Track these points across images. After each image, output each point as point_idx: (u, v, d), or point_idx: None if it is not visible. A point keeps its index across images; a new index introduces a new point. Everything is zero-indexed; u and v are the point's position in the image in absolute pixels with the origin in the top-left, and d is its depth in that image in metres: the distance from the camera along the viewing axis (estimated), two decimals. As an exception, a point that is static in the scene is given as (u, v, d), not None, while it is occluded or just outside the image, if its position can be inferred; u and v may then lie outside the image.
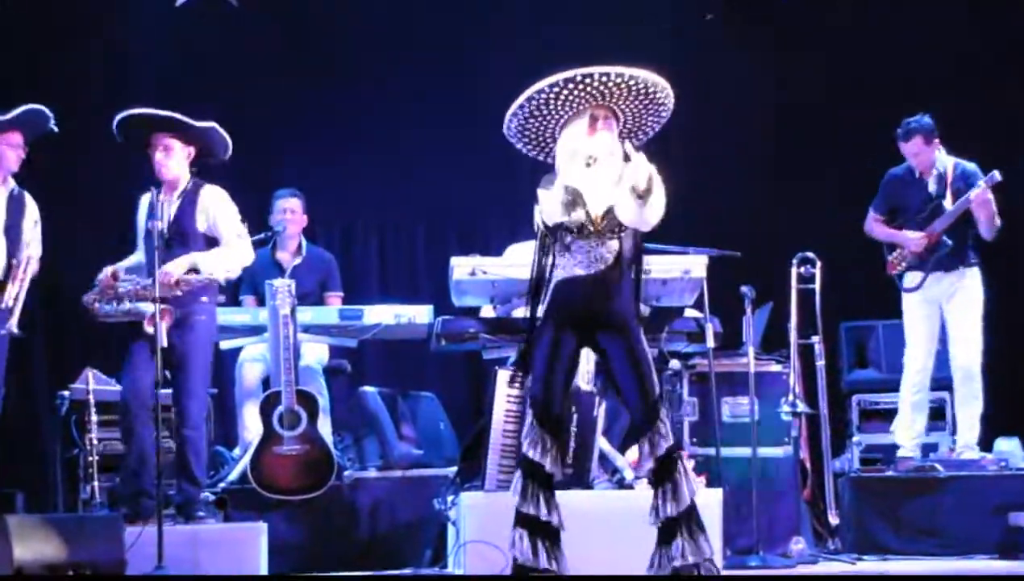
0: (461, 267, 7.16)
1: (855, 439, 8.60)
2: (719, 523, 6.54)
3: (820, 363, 7.61)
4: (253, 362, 7.77)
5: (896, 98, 9.28)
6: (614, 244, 5.43)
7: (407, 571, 7.00)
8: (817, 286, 7.47)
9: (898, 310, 8.47)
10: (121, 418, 6.89)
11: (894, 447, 8.24)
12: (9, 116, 6.87)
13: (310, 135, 9.59)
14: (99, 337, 8.59)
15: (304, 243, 8.31)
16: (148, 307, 6.55)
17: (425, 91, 9.61)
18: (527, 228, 6.69)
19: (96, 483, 7.20)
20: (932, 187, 7.92)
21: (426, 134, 9.57)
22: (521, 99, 5.49)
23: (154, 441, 6.62)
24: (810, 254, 7.52)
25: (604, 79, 5.44)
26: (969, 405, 7.78)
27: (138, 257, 7.03)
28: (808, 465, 7.71)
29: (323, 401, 7.49)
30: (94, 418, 7.37)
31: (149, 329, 6.57)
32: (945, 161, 7.89)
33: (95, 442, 7.32)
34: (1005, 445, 7.92)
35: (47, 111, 6.95)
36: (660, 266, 6.98)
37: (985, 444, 7.87)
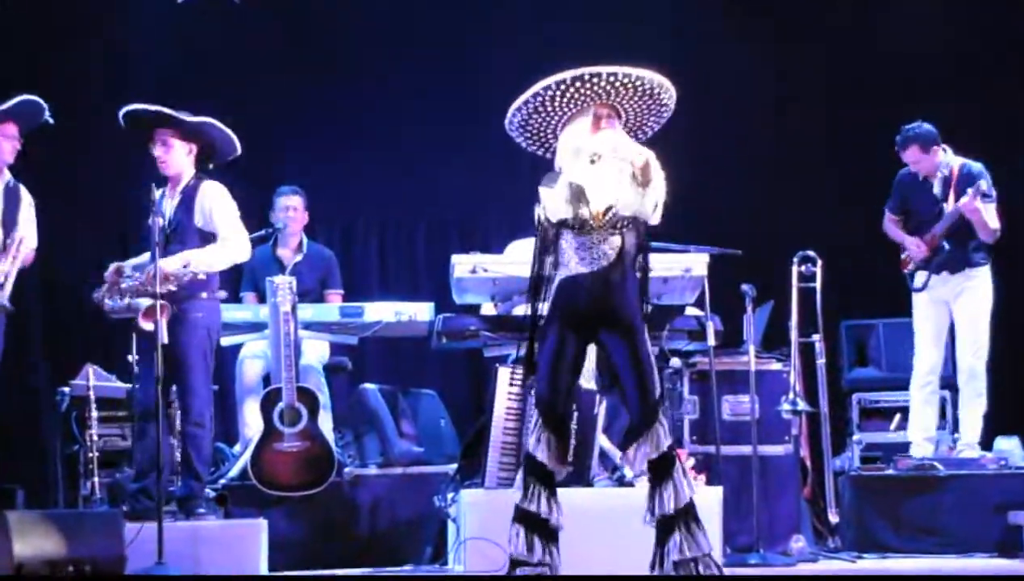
0: (462, 264, 7.16)
1: (855, 437, 8.61)
2: (719, 521, 6.54)
3: (820, 361, 7.61)
4: (254, 359, 7.78)
5: (897, 95, 9.31)
6: (616, 240, 5.44)
7: (407, 568, 7.00)
8: (818, 284, 7.47)
9: (898, 308, 8.49)
10: (135, 419, 6.91)
11: (894, 445, 8.26)
12: (3, 107, 6.87)
13: (311, 132, 9.60)
14: (99, 333, 8.60)
15: (305, 240, 8.31)
16: (145, 302, 6.55)
17: (426, 88, 9.61)
18: (528, 225, 6.69)
19: (96, 479, 7.21)
20: (937, 190, 7.92)
21: (427, 131, 9.57)
22: (527, 94, 5.50)
23: (166, 443, 6.65)
24: (811, 252, 7.52)
25: (611, 79, 5.45)
26: (972, 404, 7.79)
27: (148, 255, 7.03)
28: (808, 463, 7.71)
29: (324, 398, 7.50)
30: (94, 414, 7.38)
31: (144, 324, 6.57)
32: (952, 161, 7.89)
33: (95, 438, 7.34)
34: (1005, 444, 7.92)
35: (41, 102, 6.95)
36: (661, 264, 6.98)
37: (985, 443, 7.87)
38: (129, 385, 7.48)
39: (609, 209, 5.40)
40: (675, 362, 7.28)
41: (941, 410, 8.34)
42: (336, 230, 9.60)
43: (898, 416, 8.67)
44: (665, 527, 5.36)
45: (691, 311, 7.38)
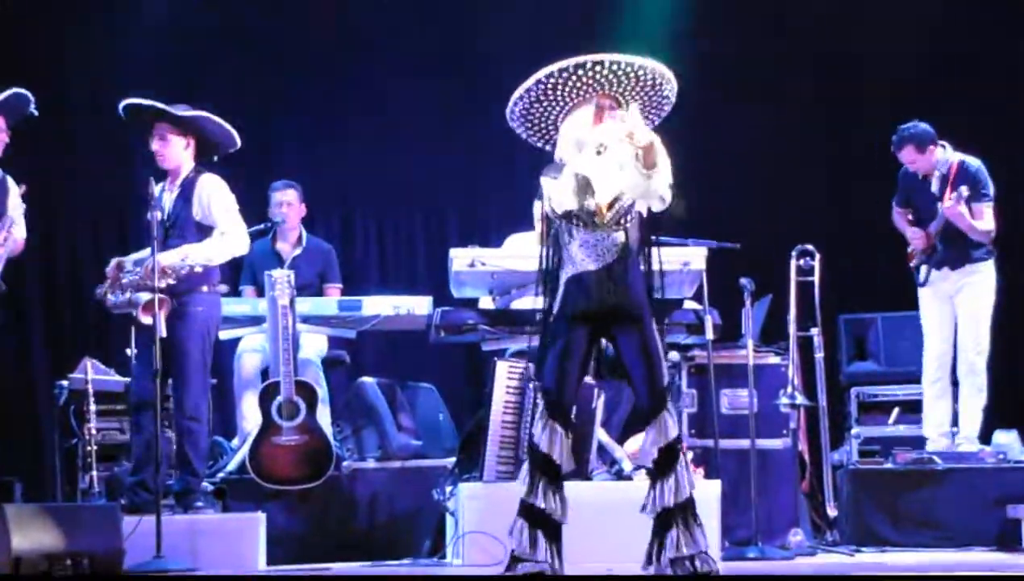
0: (460, 258, 7.15)
1: (854, 431, 8.61)
2: (717, 515, 6.54)
3: (819, 355, 7.61)
4: (252, 352, 7.77)
5: (897, 89, 9.32)
6: (620, 236, 5.42)
7: (406, 562, 7.00)
8: (816, 278, 7.47)
9: (897, 302, 8.50)
10: (131, 412, 6.90)
11: (893, 439, 8.27)
12: None
13: (310, 125, 9.60)
14: (97, 327, 8.61)
15: (304, 234, 8.30)
16: (144, 296, 6.55)
17: (425, 81, 9.60)
18: (527, 219, 6.70)
19: (95, 472, 7.21)
20: (934, 187, 7.93)
21: (426, 124, 9.57)
22: (529, 82, 5.46)
23: (162, 436, 6.65)
24: (809, 246, 7.52)
25: (614, 67, 5.42)
26: (972, 398, 7.80)
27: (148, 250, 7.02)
28: (807, 457, 7.70)
29: (322, 392, 7.49)
30: (92, 408, 7.38)
31: (143, 318, 6.57)
32: (951, 158, 7.89)
33: (93, 432, 7.34)
34: (1004, 438, 7.91)
35: (28, 94, 6.93)
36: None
37: (984, 437, 7.88)
38: (127, 379, 7.47)
39: (615, 201, 5.39)
40: (673, 356, 7.27)
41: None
42: (334, 223, 9.60)
43: (896, 410, 8.68)
44: (663, 521, 5.35)
45: (689, 305, 7.38)
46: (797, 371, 7.36)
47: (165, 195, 6.91)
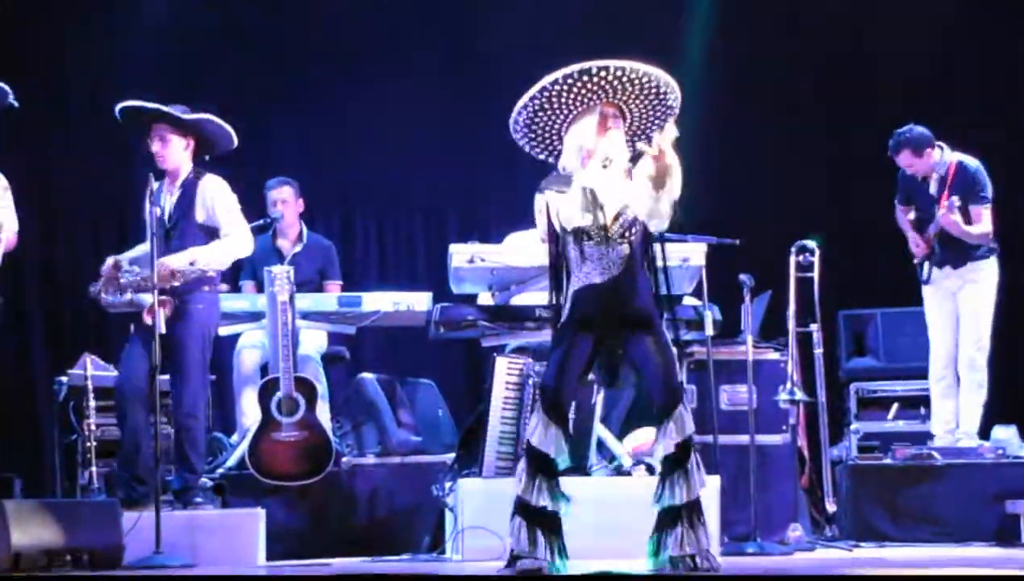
0: (460, 254, 7.16)
1: (853, 427, 8.61)
2: (717, 510, 6.55)
3: (818, 351, 7.60)
4: (251, 348, 7.78)
5: (897, 85, 9.31)
6: (624, 248, 5.42)
7: (405, 557, 7.00)
8: (815, 274, 7.46)
9: (896, 298, 8.50)
10: (116, 404, 6.91)
11: (892, 435, 8.28)
12: None
13: (310, 122, 9.59)
14: (97, 323, 8.62)
15: (305, 231, 8.31)
16: (149, 298, 6.56)
17: (425, 78, 9.61)
18: (526, 218, 6.70)
19: (94, 468, 7.21)
20: (933, 189, 7.95)
21: (426, 121, 9.57)
22: (532, 91, 5.45)
23: (147, 427, 6.64)
24: (809, 242, 7.52)
25: (619, 73, 5.40)
26: (972, 394, 7.81)
27: (144, 247, 7.02)
28: (806, 453, 7.70)
29: (321, 388, 7.49)
30: (92, 404, 7.38)
31: (148, 320, 6.58)
32: (949, 159, 7.89)
33: (93, 428, 7.33)
34: (1002, 433, 7.92)
35: (5, 87, 6.92)
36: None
37: (983, 432, 7.88)
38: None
39: (619, 214, 5.39)
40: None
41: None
42: (334, 220, 9.60)
43: (895, 406, 8.69)
44: (668, 517, 5.36)
45: (689, 301, 7.38)
46: (796, 367, 7.36)
47: (164, 195, 6.92)
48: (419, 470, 7.49)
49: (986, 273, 7.86)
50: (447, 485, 6.86)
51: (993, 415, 7.98)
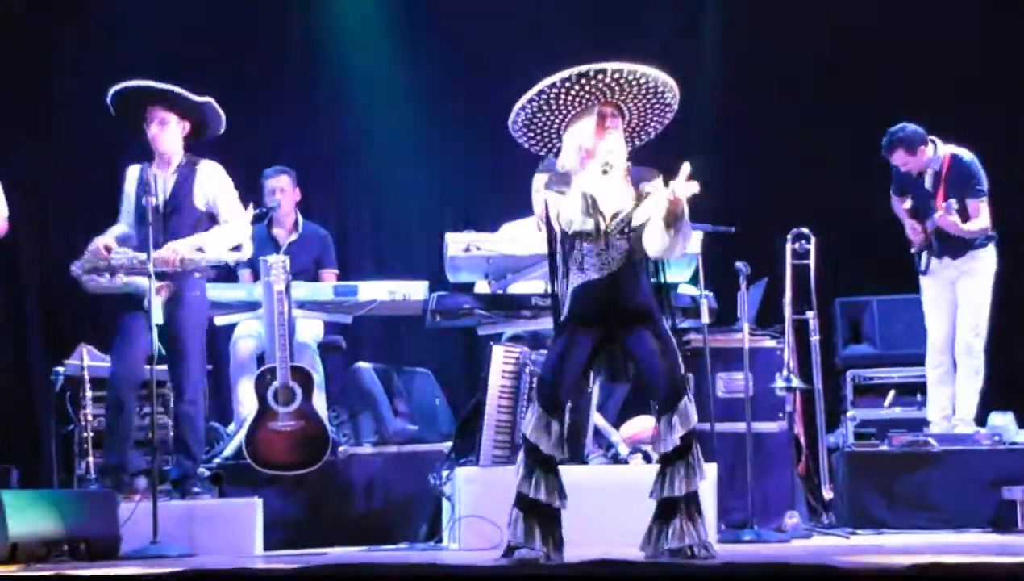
0: (456, 243, 7.16)
1: (849, 414, 8.61)
2: (714, 498, 6.56)
3: (815, 338, 7.61)
4: (248, 338, 7.78)
5: (892, 72, 9.30)
6: (623, 245, 5.42)
7: (402, 546, 7.00)
8: (811, 262, 7.47)
9: (892, 285, 8.50)
10: (109, 392, 6.90)
11: (888, 422, 8.29)
12: None
13: (306, 110, 9.58)
14: (93, 313, 8.60)
15: (300, 220, 8.30)
16: (142, 281, 6.56)
17: (420, 68, 9.59)
18: (522, 205, 6.69)
19: (91, 459, 7.22)
20: (928, 184, 7.95)
21: (421, 110, 9.55)
22: (531, 93, 5.46)
23: (139, 417, 6.65)
24: (805, 230, 7.52)
25: (616, 75, 5.40)
26: (969, 380, 7.82)
27: (122, 228, 7.01)
28: (802, 440, 7.72)
29: (318, 377, 7.50)
30: (89, 394, 7.38)
31: (163, 294, 6.59)
32: (942, 153, 7.89)
33: (90, 418, 7.34)
34: (999, 420, 7.94)
35: None
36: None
37: (979, 418, 7.89)
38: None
39: (616, 215, 5.39)
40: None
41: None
42: (330, 209, 9.59)
43: (892, 392, 8.70)
44: (667, 509, 5.37)
45: (685, 289, 7.39)
46: (793, 354, 7.37)
47: (160, 180, 6.90)
48: (416, 459, 7.49)
49: (984, 261, 7.86)
50: (444, 474, 6.86)
51: (990, 402, 7.99)
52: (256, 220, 7.81)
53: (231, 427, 7.76)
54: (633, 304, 5.42)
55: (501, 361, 6.78)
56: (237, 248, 7.03)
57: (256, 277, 7.83)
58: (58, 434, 7.71)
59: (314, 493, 7.28)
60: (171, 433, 7.11)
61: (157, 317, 6.53)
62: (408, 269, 9.04)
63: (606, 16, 9.31)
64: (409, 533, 7.22)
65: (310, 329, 7.87)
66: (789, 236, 7.52)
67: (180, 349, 6.80)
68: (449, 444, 7.20)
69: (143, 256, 6.63)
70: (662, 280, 5.55)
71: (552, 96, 5.45)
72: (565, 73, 5.40)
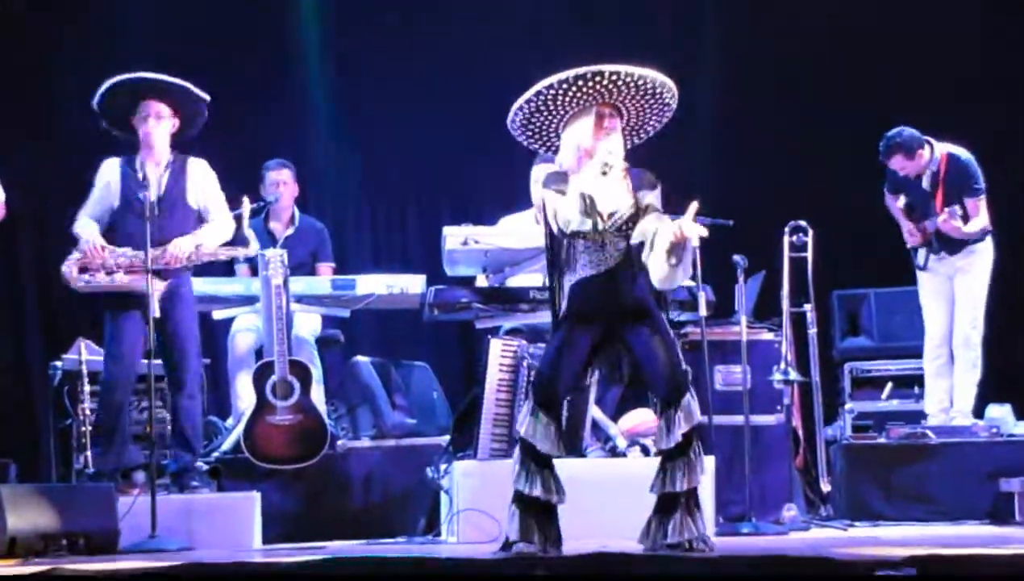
0: (453, 237, 7.15)
1: (847, 407, 8.64)
2: (712, 491, 6.56)
3: (812, 331, 7.63)
4: (246, 332, 7.78)
5: (889, 68, 9.31)
6: (621, 242, 5.42)
7: (400, 540, 7.01)
8: (809, 254, 7.48)
9: (890, 278, 8.51)
10: (106, 390, 6.89)
11: (886, 414, 8.29)
12: None
13: (302, 105, 9.58)
14: (91, 308, 8.59)
15: (297, 213, 8.31)
16: (139, 278, 6.56)
17: (417, 61, 9.59)
18: (520, 199, 6.70)
19: (89, 453, 7.21)
20: (926, 185, 7.96)
21: (419, 103, 9.55)
22: (529, 94, 5.46)
23: (136, 411, 6.65)
24: (802, 223, 7.52)
25: (614, 77, 5.40)
26: (967, 372, 7.83)
27: (91, 223, 6.96)
28: (800, 433, 7.73)
29: (316, 371, 7.50)
30: (87, 389, 7.38)
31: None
32: (938, 154, 7.88)
33: (88, 412, 7.33)
34: (997, 412, 7.94)
35: None
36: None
37: (977, 411, 7.90)
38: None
39: (613, 214, 5.39)
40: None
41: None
42: (327, 202, 9.59)
43: (889, 385, 8.71)
44: (667, 504, 5.37)
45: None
46: (790, 347, 7.37)
47: (151, 176, 6.89)
48: (414, 453, 7.49)
49: (982, 255, 7.87)
50: (442, 467, 6.86)
51: (987, 394, 8.00)
52: (253, 214, 7.82)
53: (229, 421, 7.76)
54: (631, 300, 5.42)
55: (499, 354, 6.77)
56: (239, 243, 7.02)
57: (254, 271, 7.83)
58: (56, 428, 7.71)
59: (312, 487, 7.28)
60: (169, 427, 7.10)
61: (154, 312, 6.52)
62: (406, 263, 9.06)
63: (606, 16, 9.31)
64: (407, 526, 7.21)
65: (308, 323, 7.87)
66: (787, 229, 7.53)
67: (179, 344, 6.81)
68: (447, 437, 7.20)
69: (141, 253, 6.63)
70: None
71: (549, 97, 5.45)
72: (562, 75, 5.40)
